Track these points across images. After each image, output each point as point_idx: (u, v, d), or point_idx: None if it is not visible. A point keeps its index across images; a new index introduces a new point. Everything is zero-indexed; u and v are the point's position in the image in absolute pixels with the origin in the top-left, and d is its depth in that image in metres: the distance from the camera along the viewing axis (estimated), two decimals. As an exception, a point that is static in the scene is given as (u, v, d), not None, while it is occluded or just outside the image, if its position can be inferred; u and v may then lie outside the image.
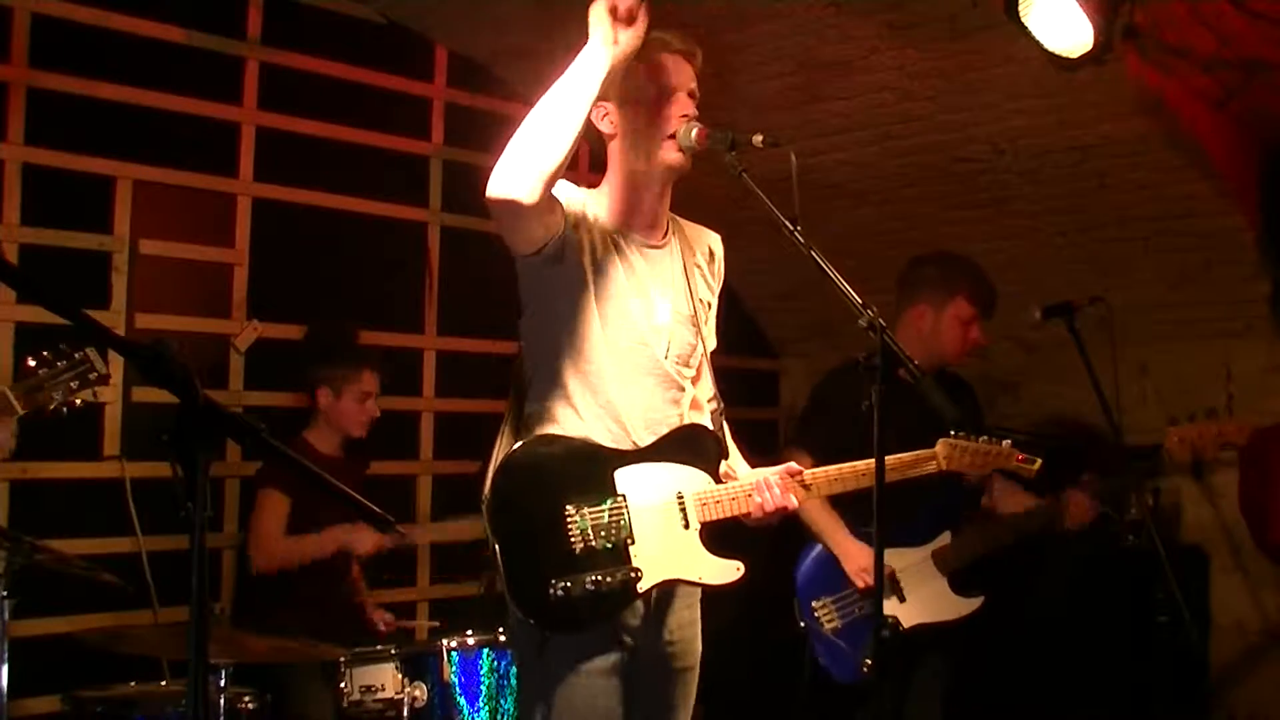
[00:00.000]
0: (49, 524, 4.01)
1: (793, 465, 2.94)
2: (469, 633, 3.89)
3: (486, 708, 3.82)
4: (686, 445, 2.90)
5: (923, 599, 3.98)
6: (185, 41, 4.68)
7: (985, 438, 3.22)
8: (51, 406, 3.27)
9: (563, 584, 2.70)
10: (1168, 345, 5.02)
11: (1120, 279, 4.91)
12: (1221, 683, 4.87)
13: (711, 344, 3.07)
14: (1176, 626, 3.93)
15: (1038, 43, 4.02)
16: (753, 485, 2.89)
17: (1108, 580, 4.72)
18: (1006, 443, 3.25)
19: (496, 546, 2.75)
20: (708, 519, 2.86)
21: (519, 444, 2.79)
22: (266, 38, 4.88)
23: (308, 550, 4.31)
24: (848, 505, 3.88)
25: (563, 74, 2.68)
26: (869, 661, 3.87)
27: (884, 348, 2.54)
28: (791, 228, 2.66)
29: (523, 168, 2.60)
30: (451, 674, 3.80)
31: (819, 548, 4.05)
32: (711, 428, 2.97)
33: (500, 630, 3.89)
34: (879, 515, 2.62)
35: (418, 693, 3.74)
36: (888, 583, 3.94)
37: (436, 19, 5.22)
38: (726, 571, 2.87)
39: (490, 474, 2.80)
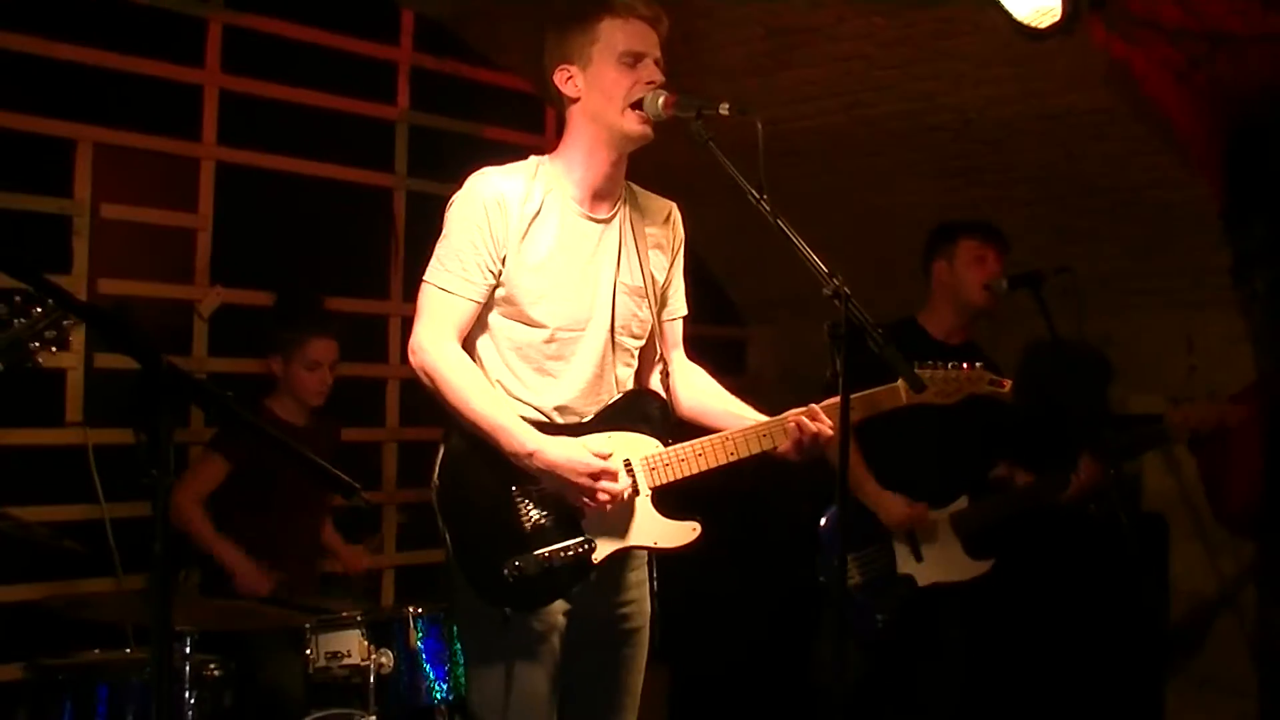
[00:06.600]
0: (11, 491, 3.97)
1: (813, 407, 2.86)
2: (436, 600, 3.89)
3: (452, 674, 3.82)
4: (631, 411, 2.91)
5: (938, 559, 4.07)
6: (147, 2, 4.61)
7: (952, 363, 3.12)
8: (29, 363, 3.09)
9: (516, 563, 2.73)
10: (1131, 316, 5.06)
11: (1085, 249, 4.93)
12: (1179, 647, 4.94)
13: (683, 309, 3.10)
14: (1137, 589, 3.95)
15: (1006, 12, 4.03)
16: (704, 443, 2.87)
17: (1068, 548, 4.77)
18: (978, 365, 3.15)
19: (448, 536, 2.78)
20: (658, 483, 2.86)
21: (459, 433, 2.80)
22: (229, -1, 4.82)
23: (205, 539, 4.20)
24: (869, 464, 4.02)
25: (490, 410, 2.74)
26: (882, 617, 3.98)
27: (848, 316, 2.54)
28: (758, 196, 2.64)
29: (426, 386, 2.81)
30: (418, 640, 3.80)
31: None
32: (660, 391, 2.98)
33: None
34: (841, 480, 2.59)
35: (384, 659, 3.74)
36: (906, 542, 4.04)
37: (403, -18, 5.18)
38: (681, 533, 2.88)
39: (436, 465, 2.81)
